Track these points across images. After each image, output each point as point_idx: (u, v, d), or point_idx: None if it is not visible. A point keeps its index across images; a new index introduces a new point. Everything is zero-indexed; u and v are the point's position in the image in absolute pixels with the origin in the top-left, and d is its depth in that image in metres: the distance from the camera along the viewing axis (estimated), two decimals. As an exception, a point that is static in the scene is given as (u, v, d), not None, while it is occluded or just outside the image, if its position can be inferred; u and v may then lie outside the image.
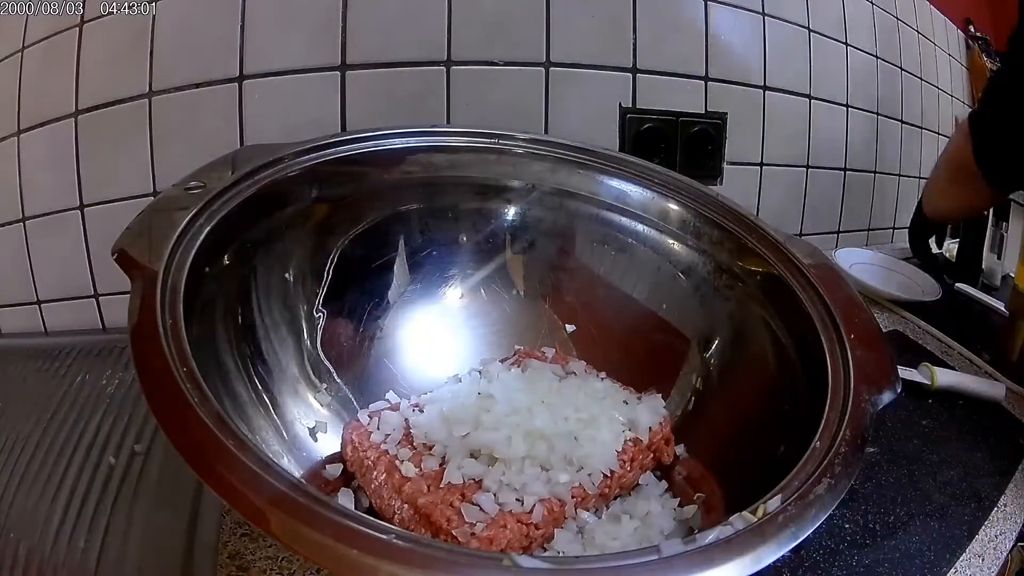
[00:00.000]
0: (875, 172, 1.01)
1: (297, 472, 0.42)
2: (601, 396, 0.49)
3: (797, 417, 0.42)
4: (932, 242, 0.93)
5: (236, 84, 0.64)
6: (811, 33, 0.88)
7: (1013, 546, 0.48)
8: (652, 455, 0.48)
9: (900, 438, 0.58)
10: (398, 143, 0.56)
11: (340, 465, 0.45)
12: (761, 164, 0.87)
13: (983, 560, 0.46)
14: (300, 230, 0.51)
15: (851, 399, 0.39)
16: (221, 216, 0.43)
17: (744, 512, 0.32)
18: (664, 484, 0.48)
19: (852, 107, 0.95)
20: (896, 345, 0.74)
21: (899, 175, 1.05)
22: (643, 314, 0.57)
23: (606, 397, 0.49)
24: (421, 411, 0.47)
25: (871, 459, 0.54)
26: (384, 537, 0.27)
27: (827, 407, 0.39)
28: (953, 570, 0.45)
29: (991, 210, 0.99)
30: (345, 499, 0.43)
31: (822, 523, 0.32)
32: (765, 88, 0.85)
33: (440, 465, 0.43)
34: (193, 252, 0.40)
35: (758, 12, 0.83)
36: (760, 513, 0.32)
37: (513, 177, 0.59)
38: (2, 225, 0.67)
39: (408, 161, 0.56)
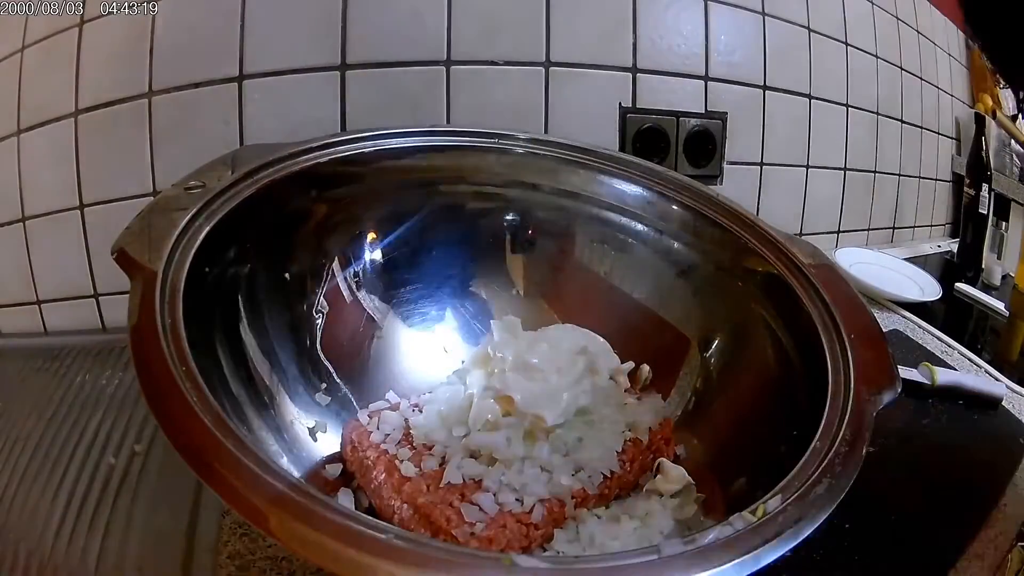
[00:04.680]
0: (875, 172, 1.01)
1: (297, 472, 0.42)
2: (602, 396, 0.49)
3: (797, 417, 0.41)
4: None
5: (236, 84, 0.64)
6: (811, 33, 0.88)
7: (1013, 546, 0.48)
8: (652, 455, 0.48)
9: (900, 438, 0.58)
10: (398, 143, 0.56)
11: (340, 465, 0.45)
12: (761, 164, 0.87)
13: (983, 560, 0.46)
14: (300, 230, 0.51)
15: (851, 399, 0.39)
16: (221, 216, 0.43)
17: (744, 512, 0.32)
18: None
19: (852, 107, 0.95)
20: (896, 345, 0.74)
21: (899, 175, 1.05)
22: (643, 314, 0.57)
23: (606, 397, 0.49)
24: (421, 411, 0.47)
25: (871, 459, 0.54)
26: (384, 537, 0.27)
27: (827, 407, 0.39)
28: (953, 570, 0.45)
29: (991, 210, 1.00)
30: (345, 499, 0.43)
31: (822, 523, 0.32)
32: (765, 88, 0.85)
33: (440, 465, 0.43)
34: (193, 252, 0.40)
35: (758, 12, 0.83)
36: (760, 513, 0.32)
37: (513, 177, 0.59)
38: (2, 225, 0.67)
39: (408, 161, 0.56)
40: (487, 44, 0.70)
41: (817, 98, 0.90)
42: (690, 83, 0.80)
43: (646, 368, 0.54)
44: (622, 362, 0.52)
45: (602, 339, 0.51)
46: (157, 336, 0.34)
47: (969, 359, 0.73)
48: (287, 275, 0.50)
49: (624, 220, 0.59)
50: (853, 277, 0.83)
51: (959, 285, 0.92)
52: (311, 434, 0.46)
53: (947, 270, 1.01)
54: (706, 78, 0.81)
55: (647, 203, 0.59)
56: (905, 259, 0.95)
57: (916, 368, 0.66)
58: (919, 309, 0.82)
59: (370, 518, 0.29)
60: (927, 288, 0.87)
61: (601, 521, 0.43)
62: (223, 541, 0.42)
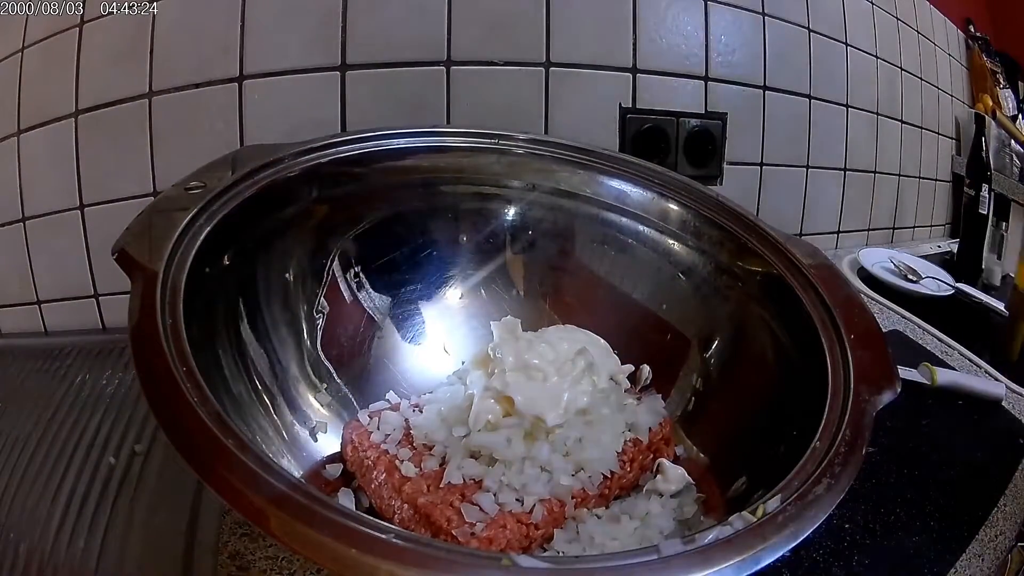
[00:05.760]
0: (875, 172, 1.01)
1: (297, 472, 0.42)
2: (602, 396, 0.49)
3: (797, 417, 0.41)
4: None
5: (236, 84, 0.64)
6: (811, 33, 0.88)
7: (1013, 546, 0.48)
8: (652, 455, 0.48)
9: (900, 438, 0.58)
10: (398, 143, 0.56)
11: (340, 465, 0.45)
12: (761, 164, 0.87)
13: (983, 560, 0.46)
14: (300, 230, 0.51)
15: (851, 399, 0.39)
16: (221, 216, 0.43)
17: (744, 512, 0.32)
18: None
19: (852, 107, 0.95)
20: (896, 345, 0.74)
21: (899, 175, 1.05)
22: (643, 314, 0.57)
23: (606, 398, 0.49)
24: (421, 411, 0.47)
25: (871, 459, 0.53)
26: (384, 537, 0.27)
27: (827, 407, 0.39)
28: (953, 570, 0.45)
29: (991, 210, 1.00)
30: (345, 499, 0.43)
31: (822, 523, 0.32)
32: (765, 88, 0.85)
33: (440, 465, 0.43)
34: (193, 252, 0.40)
35: (758, 12, 0.83)
36: (760, 513, 0.32)
37: (513, 177, 0.59)
38: (2, 225, 0.67)
39: (408, 161, 0.56)
40: (487, 44, 0.70)
41: (817, 98, 0.90)
42: (690, 83, 0.80)
43: (646, 368, 0.54)
44: (622, 363, 0.52)
45: (602, 340, 0.51)
46: (158, 336, 0.34)
47: (969, 359, 0.73)
48: (287, 275, 0.50)
49: (624, 220, 0.59)
50: (877, 276, 0.87)
51: (959, 285, 0.93)
52: (311, 434, 0.46)
53: (947, 270, 1.01)
54: (706, 78, 0.81)
55: (647, 203, 0.59)
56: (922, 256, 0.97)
57: (916, 368, 0.66)
58: (919, 309, 0.82)
59: (370, 518, 0.29)
60: (943, 284, 0.89)
61: (601, 521, 0.43)
62: (223, 541, 0.42)
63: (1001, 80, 1.15)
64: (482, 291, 0.58)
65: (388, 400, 0.50)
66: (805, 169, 0.92)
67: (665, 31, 0.78)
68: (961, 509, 0.50)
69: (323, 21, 0.65)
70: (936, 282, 0.89)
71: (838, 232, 0.99)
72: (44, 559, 0.41)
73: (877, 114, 0.99)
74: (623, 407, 0.49)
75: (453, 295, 0.57)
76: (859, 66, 0.95)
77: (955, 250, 1.06)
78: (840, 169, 0.96)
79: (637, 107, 0.77)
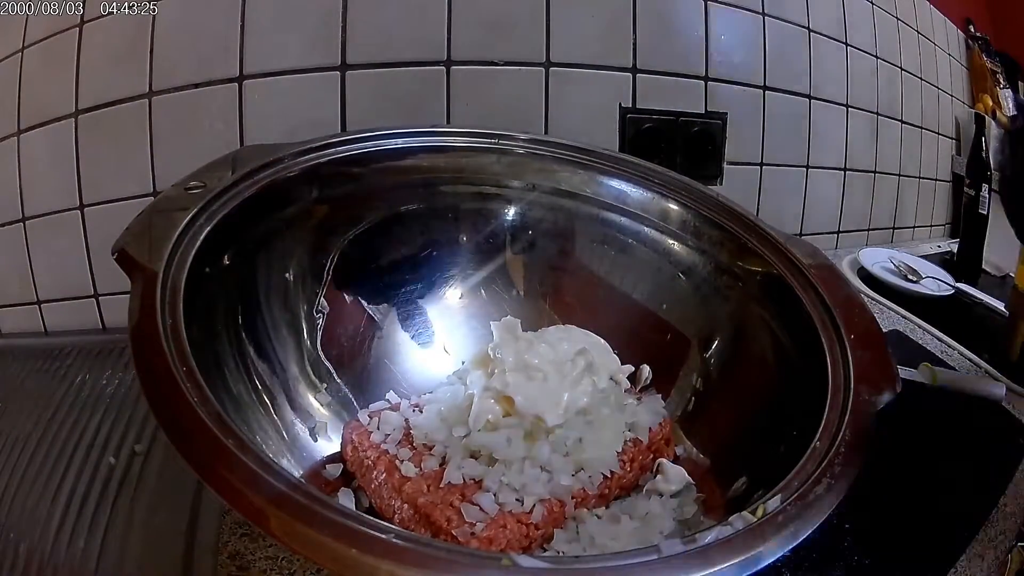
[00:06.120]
0: (875, 172, 1.01)
1: (297, 472, 0.42)
2: (602, 396, 0.49)
3: (797, 417, 0.41)
4: None
5: (236, 84, 0.64)
6: (811, 33, 0.88)
7: (1013, 546, 0.48)
8: (652, 455, 0.48)
9: (900, 438, 0.58)
10: (398, 143, 0.56)
11: (340, 465, 0.45)
12: (761, 164, 0.87)
13: (983, 560, 0.46)
14: (300, 230, 0.51)
15: (851, 399, 0.39)
16: (221, 216, 0.43)
17: (744, 512, 0.32)
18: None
19: (852, 107, 0.95)
20: (896, 345, 0.74)
21: (899, 175, 1.05)
22: (643, 314, 0.57)
23: (606, 397, 0.49)
24: (421, 411, 0.47)
25: (870, 459, 0.54)
26: (384, 537, 0.27)
27: (827, 407, 0.39)
28: (953, 570, 0.45)
29: (991, 210, 0.99)
30: (345, 499, 0.43)
31: (822, 523, 0.32)
32: (765, 88, 0.85)
33: (440, 465, 0.43)
34: (193, 252, 0.40)
35: (758, 12, 0.83)
36: (760, 513, 0.32)
37: (513, 177, 0.59)
38: (2, 225, 0.67)
39: (408, 161, 0.56)
40: (487, 44, 0.70)
41: (817, 98, 0.90)
42: (690, 83, 0.80)
43: (646, 368, 0.54)
44: (622, 363, 0.52)
45: (602, 340, 0.51)
46: (158, 336, 0.34)
47: (969, 359, 0.73)
48: (287, 275, 0.50)
49: (624, 220, 0.59)
50: (877, 276, 0.87)
51: (959, 285, 0.93)
52: (311, 434, 0.46)
53: (947, 270, 1.01)
54: (706, 78, 0.81)
55: (647, 203, 0.59)
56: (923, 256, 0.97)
57: (916, 368, 0.66)
58: (920, 309, 0.82)
59: (370, 518, 0.29)
60: (943, 284, 0.89)
61: (601, 521, 0.43)
62: (223, 541, 0.42)
63: (1001, 80, 1.15)
64: (482, 291, 0.58)
65: (388, 400, 0.50)
66: (805, 169, 0.92)
67: (665, 31, 0.78)
68: (961, 509, 0.50)
69: (323, 21, 0.65)
70: (936, 282, 0.89)
71: (838, 232, 0.99)
72: (44, 559, 0.41)
73: (877, 114, 0.99)
74: (623, 407, 0.49)
75: (453, 295, 0.57)
76: (859, 66, 0.95)
77: (955, 250, 1.06)
78: (840, 169, 0.96)
79: (637, 107, 0.77)
